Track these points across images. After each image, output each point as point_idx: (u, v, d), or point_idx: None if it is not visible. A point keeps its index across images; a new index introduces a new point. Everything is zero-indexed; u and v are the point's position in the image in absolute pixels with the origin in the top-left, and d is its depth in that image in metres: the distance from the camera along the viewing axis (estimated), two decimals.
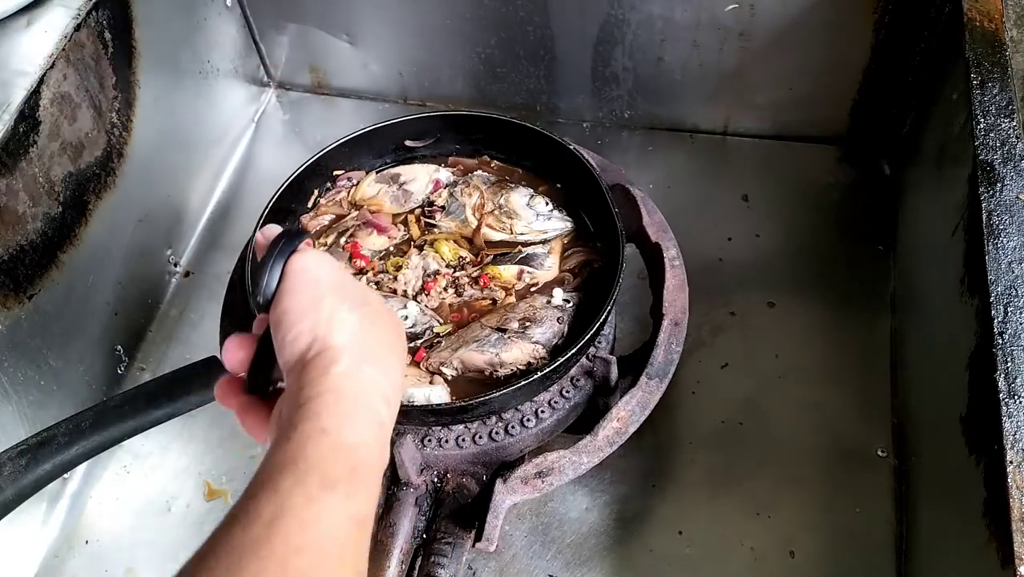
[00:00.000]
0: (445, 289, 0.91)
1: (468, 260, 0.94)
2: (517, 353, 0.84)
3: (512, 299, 0.91)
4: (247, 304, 0.85)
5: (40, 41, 0.95)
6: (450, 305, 0.91)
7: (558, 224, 0.96)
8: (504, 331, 0.85)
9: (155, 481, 1.06)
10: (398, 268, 0.93)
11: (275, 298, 0.54)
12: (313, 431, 0.47)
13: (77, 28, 0.97)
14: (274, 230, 0.59)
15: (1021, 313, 0.72)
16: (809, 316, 1.12)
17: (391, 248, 0.97)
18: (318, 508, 0.44)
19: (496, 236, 0.96)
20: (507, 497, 0.79)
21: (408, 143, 1.04)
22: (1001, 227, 0.78)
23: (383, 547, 0.83)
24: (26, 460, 0.66)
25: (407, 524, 0.84)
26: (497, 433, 0.85)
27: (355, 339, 0.52)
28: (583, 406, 0.89)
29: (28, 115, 0.90)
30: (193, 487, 1.05)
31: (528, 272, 0.92)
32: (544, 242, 0.95)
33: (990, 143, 0.84)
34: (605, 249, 0.94)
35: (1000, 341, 0.71)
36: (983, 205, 0.79)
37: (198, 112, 1.29)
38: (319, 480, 0.44)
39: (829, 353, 1.08)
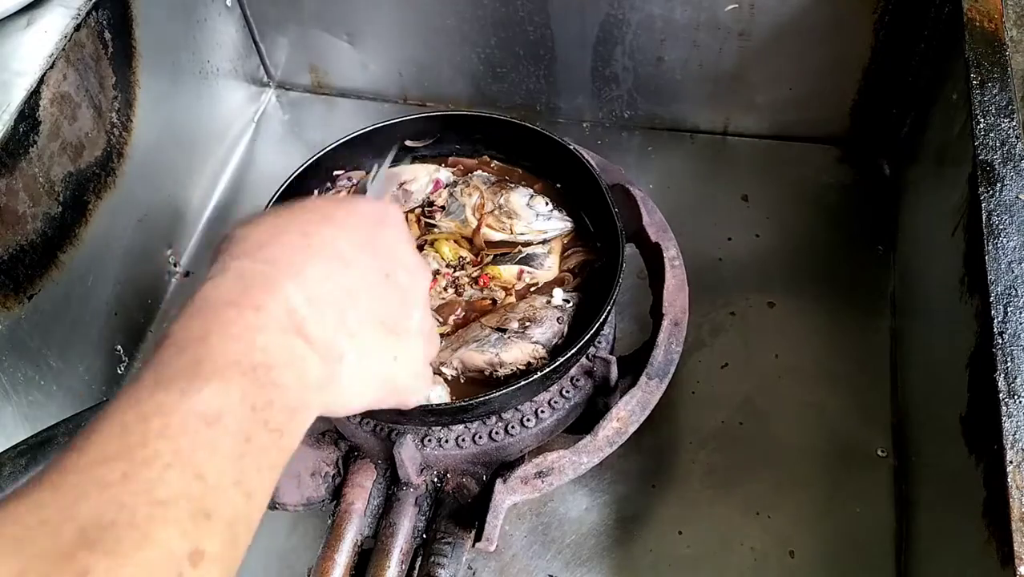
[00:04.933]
0: (445, 289, 0.91)
1: (468, 260, 0.94)
2: (517, 353, 0.84)
3: (512, 299, 0.91)
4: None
5: (40, 41, 0.95)
6: (451, 305, 0.91)
7: (558, 224, 0.96)
8: (504, 331, 0.85)
9: None
10: None
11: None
12: (170, 330, 0.43)
13: (77, 28, 0.97)
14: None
15: (1021, 313, 0.72)
16: (809, 316, 1.12)
17: None
18: (144, 408, 0.38)
19: (496, 236, 0.96)
20: (507, 497, 0.79)
21: (408, 143, 1.04)
22: (1001, 227, 0.78)
23: (383, 547, 0.83)
24: (26, 460, 0.66)
25: (407, 524, 0.84)
26: (497, 433, 0.85)
27: (235, 242, 0.48)
28: (583, 406, 0.89)
29: (28, 115, 0.90)
30: None
31: (528, 272, 0.92)
32: (544, 242, 0.95)
33: (990, 143, 0.84)
34: (605, 249, 0.94)
35: (1000, 341, 0.71)
36: (983, 205, 0.79)
37: (198, 112, 1.29)
38: (153, 378, 0.39)
39: (829, 353, 1.08)
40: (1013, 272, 0.75)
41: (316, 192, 1.00)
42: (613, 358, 0.86)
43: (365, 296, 0.50)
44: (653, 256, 0.95)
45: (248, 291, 0.44)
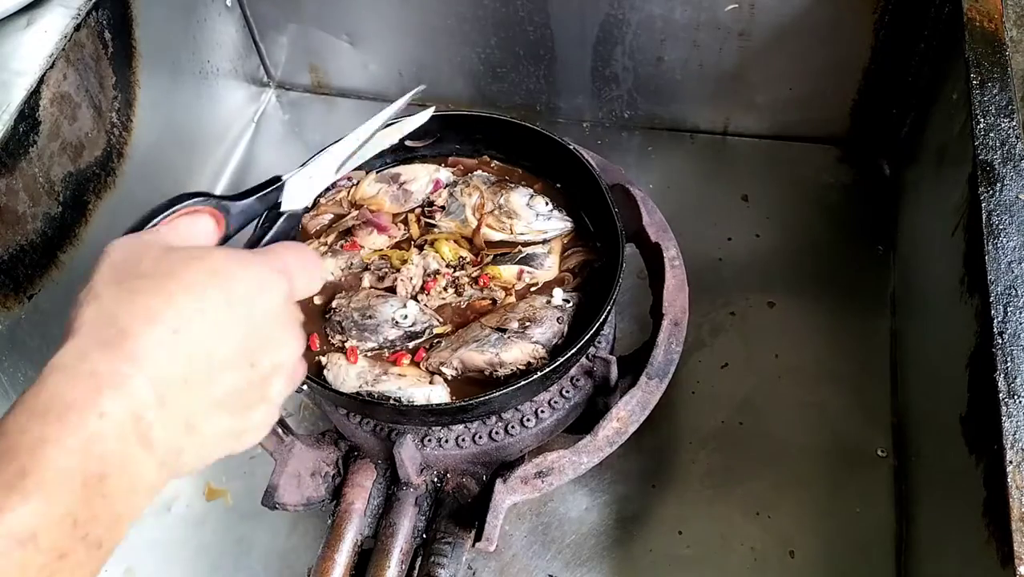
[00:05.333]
0: (445, 289, 0.91)
1: (468, 260, 0.94)
2: (517, 353, 0.84)
3: (512, 299, 0.91)
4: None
5: (40, 41, 0.95)
6: (451, 305, 0.91)
7: (558, 224, 0.96)
8: (504, 331, 0.85)
9: None
10: (403, 261, 0.93)
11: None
12: (6, 424, 0.40)
13: (77, 28, 0.97)
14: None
15: (1021, 313, 0.72)
16: (809, 316, 1.12)
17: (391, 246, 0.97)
18: None
19: (496, 236, 0.96)
20: (507, 497, 0.79)
21: (408, 143, 1.04)
22: (1001, 227, 0.78)
23: (383, 547, 0.83)
24: None
25: (407, 524, 0.84)
26: (497, 433, 0.85)
27: (104, 323, 0.44)
28: (583, 406, 0.89)
29: (28, 115, 0.90)
30: (193, 487, 1.05)
31: (528, 272, 0.92)
32: (544, 242, 0.95)
33: (990, 143, 0.84)
34: (605, 249, 0.94)
35: (1000, 341, 0.71)
36: (983, 205, 0.79)
37: (198, 112, 1.29)
38: None
39: (829, 353, 1.08)
40: (1013, 272, 0.75)
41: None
42: (613, 358, 0.87)
43: (223, 390, 0.47)
44: (653, 256, 0.95)
45: (97, 393, 0.41)
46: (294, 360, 0.53)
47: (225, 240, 0.56)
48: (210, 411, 0.47)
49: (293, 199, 0.62)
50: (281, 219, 0.61)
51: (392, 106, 0.71)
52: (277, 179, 0.62)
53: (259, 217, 0.60)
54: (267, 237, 0.61)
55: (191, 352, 0.45)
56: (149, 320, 0.44)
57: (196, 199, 0.53)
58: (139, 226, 0.52)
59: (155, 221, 0.52)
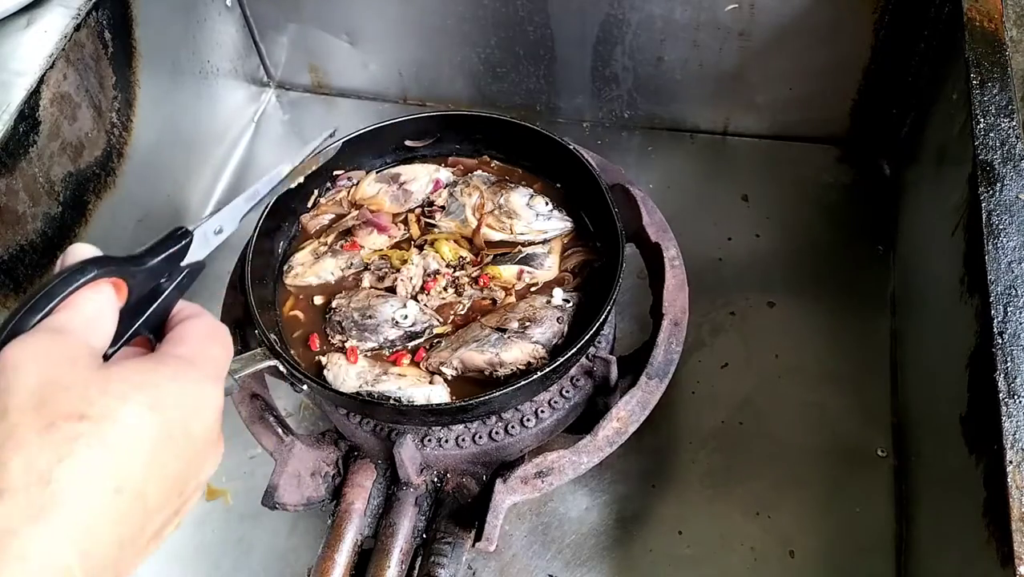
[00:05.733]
0: (445, 289, 0.91)
1: (468, 260, 0.94)
2: (517, 353, 0.84)
3: (512, 299, 0.91)
4: (246, 305, 0.85)
5: (40, 41, 0.95)
6: (450, 305, 0.91)
7: (558, 224, 0.96)
8: (504, 331, 0.85)
9: None
10: (403, 261, 0.93)
11: None
12: None
13: (77, 28, 0.97)
14: (76, 254, 0.48)
15: (1021, 313, 0.72)
16: (809, 316, 1.12)
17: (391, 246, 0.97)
18: None
19: (496, 236, 0.96)
20: (507, 497, 0.79)
21: (408, 143, 1.04)
22: (1001, 227, 0.78)
23: (383, 547, 0.83)
24: None
25: (407, 524, 0.84)
26: (497, 433, 0.85)
27: (33, 479, 0.39)
28: (583, 406, 0.89)
29: (28, 115, 0.90)
30: None
31: (528, 272, 0.92)
32: (544, 242, 0.95)
33: (990, 143, 0.84)
34: (605, 249, 0.94)
35: (1000, 341, 0.71)
36: (983, 205, 0.79)
37: (198, 112, 1.29)
38: None
39: (829, 353, 1.08)
40: (1013, 272, 0.75)
41: (316, 192, 1.01)
42: (613, 358, 0.86)
43: (152, 531, 0.45)
44: (653, 256, 0.95)
45: (16, 539, 0.37)
46: (215, 466, 0.51)
47: (130, 305, 0.51)
48: (132, 547, 0.43)
49: (197, 251, 0.58)
50: (182, 274, 0.55)
51: (302, 151, 0.70)
52: (183, 231, 0.57)
53: (165, 275, 0.55)
54: (167, 293, 0.54)
55: (129, 508, 0.42)
56: (89, 481, 0.40)
57: (95, 271, 0.47)
58: (35, 307, 0.45)
59: (53, 304, 0.45)
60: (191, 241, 0.57)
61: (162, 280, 0.54)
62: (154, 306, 0.53)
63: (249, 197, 0.65)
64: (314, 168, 0.78)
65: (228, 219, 0.63)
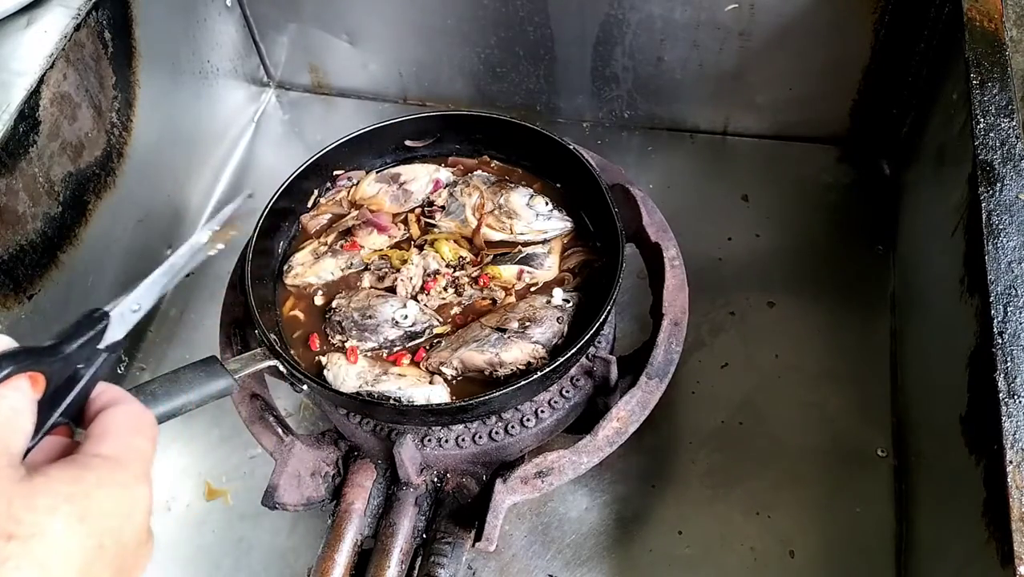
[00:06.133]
0: (445, 289, 0.91)
1: (468, 260, 0.94)
2: (517, 353, 0.84)
3: (512, 299, 0.91)
4: (246, 305, 0.85)
5: (40, 41, 0.95)
6: (450, 305, 0.91)
7: (558, 224, 0.96)
8: (504, 331, 0.85)
9: (155, 481, 1.05)
10: (403, 261, 0.93)
11: None
12: None
13: (77, 28, 0.97)
14: None
15: (1021, 313, 0.72)
16: (809, 316, 1.12)
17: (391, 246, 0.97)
18: None
19: (496, 236, 0.96)
20: (507, 497, 0.79)
21: (408, 143, 1.04)
22: (1001, 227, 0.78)
23: (383, 547, 0.83)
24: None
25: (407, 524, 0.84)
26: (497, 433, 0.85)
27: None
28: (583, 406, 0.89)
29: (28, 115, 0.90)
30: (193, 487, 1.05)
31: (528, 272, 0.92)
32: (544, 242, 0.95)
33: (990, 143, 0.84)
34: (605, 249, 0.94)
35: (1000, 341, 0.71)
36: (983, 205, 0.79)
37: (198, 112, 1.29)
38: None
39: (829, 353, 1.08)
40: (1013, 272, 0.75)
41: (316, 192, 1.01)
42: (613, 358, 0.86)
43: None
44: (653, 256, 0.95)
45: None
46: (148, 558, 0.48)
47: (47, 396, 0.48)
48: None
49: (114, 331, 0.55)
50: (101, 357, 0.52)
51: (216, 217, 0.68)
52: (100, 313, 0.55)
53: (83, 360, 0.52)
54: (86, 378, 0.51)
55: None
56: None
57: (10, 367, 0.45)
58: None
59: None
60: (108, 323, 0.55)
61: (79, 365, 0.51)
62: (73, 393, 0.50)
63: (166, 272, 0.63)
64: (232, 233, 0.72)
65: (146, 296, 0.60)
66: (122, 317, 0.57)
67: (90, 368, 0.51)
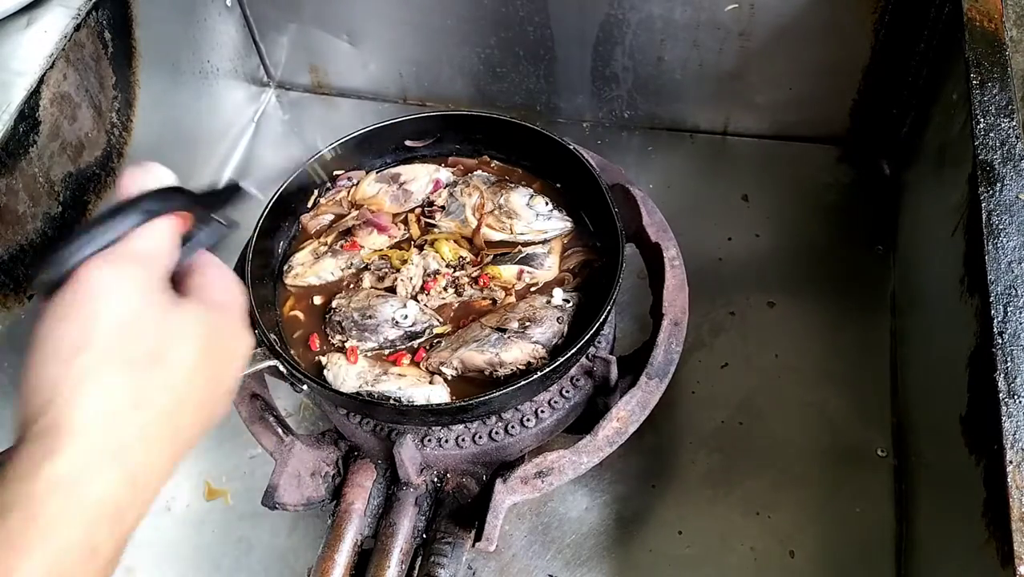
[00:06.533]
0: (445, 289, 0.91)
1: (468, 260, 0.94)
2: (517, 353, 0.84)
3: (512, 299, 0.91)
4: (246, 305, 0.85)
5: (40, 41, 0.95)
6: (450, 305, 0.91)
7: (558, 224, 0.96)
8: (504, 331, 0.85)
9: None
10: (403, 261, 0.93)
11: (49, 303, 0.42)
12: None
13: (77, 28, 0.97)
14: (157, 174, 0.50)
15: (1021, 313, 0.72)
16: (809, 316, 1.12)
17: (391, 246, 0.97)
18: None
19: (496, 236, 0.96)
20: (507, 497, 0.79)
21: (408, 143, 1.04)
22: (1001, 227, 0.78)
23: (383, 547, 0.83)
24: None
25: (407, 524, 0.84)
26: (497, 433, 0.85)
27: (107, 422, 0.40)
28: (583, 406, 0.89)
29: (28, 115, 0.90)
30: (193, 487, 1.04)
31: (528, 272, 0.92)
32: (544, 242, 0.95)
33: (990, 143, 0.84)
34: (605, 249, 0.94)
35: (1000, 341, 0.71)
36: (983, 205, 0.79)
37: (198, 112, 1.29)
38: None
39: (829, 353, 1.08)
40: (1013, 272, 0.75)
41: (316, 192, 1.01)
42: (613, 358, 0.86)
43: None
44: (653, 256, 0.95)
45: (80, 487, 0.39)
46: (243, 357, 0.53)
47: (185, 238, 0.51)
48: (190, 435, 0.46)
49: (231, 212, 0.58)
50: (216, 227, 0.54)
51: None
52: (239, 186, 0.58)
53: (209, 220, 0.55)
54: (203, 236, 0.54)
55: (182, 450, 0.45)
56: (156, 430, 0.43)
57: (181, 201, 0.48)
58: (121, 219, 0.45)
59: (139, 222, 0.46)
60: (244, 198, 0.58)
61: (203, 224, 0.54)
62: (192, 243, 0.53)
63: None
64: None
65: (262, 188, 0.63)
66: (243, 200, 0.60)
67: (211, 230, 0.55)
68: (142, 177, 0.49)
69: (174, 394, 0.43)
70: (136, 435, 0.41)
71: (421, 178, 1.01)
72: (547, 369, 0.79)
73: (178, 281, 0.51)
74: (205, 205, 0.54)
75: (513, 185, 0.99)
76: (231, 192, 0.57)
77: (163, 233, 0.48)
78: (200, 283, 0.51)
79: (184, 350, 0.45)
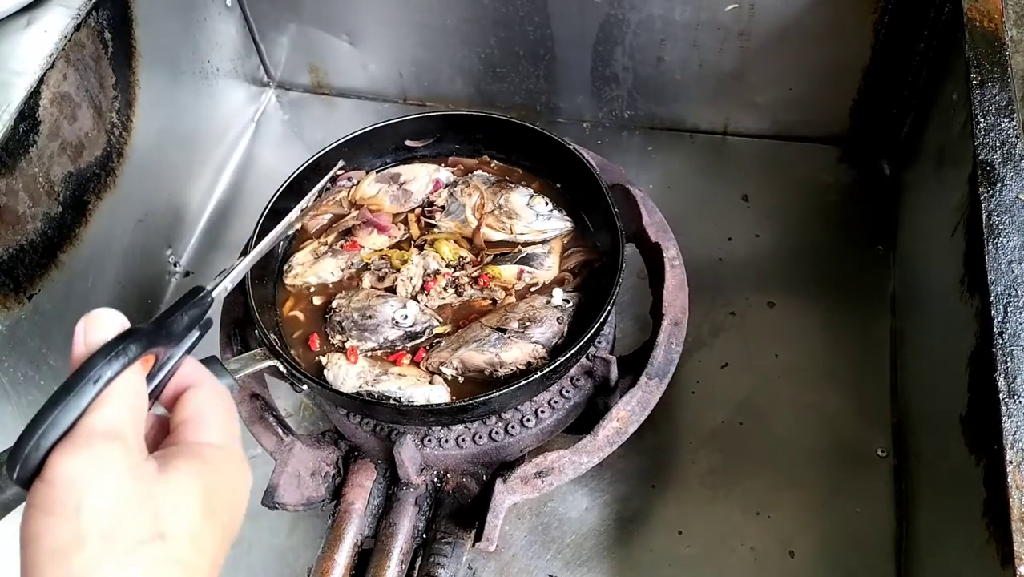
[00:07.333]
0: (445, 289, 0.91)
1: (468, 260, 0.94)
2: (517, 353, 0.84)
3: (512, 299, 0.91)
4: (246, 305, 0.85)
5: (40, 41, 0.95)
6: (450, 305, 0.91)
7: (558, 224, 0.96)
8: (504, 331, 0.85)
9: None
10: (403, 261, 0.93)
11: (32, 490, 0.40)
12: None
13: (77, 28, 0.97)
14: (102, 324, 0.44)
15: (1021, 313, 0.72)
16: (809, 316, 1.12)
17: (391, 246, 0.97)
18: None
19: (496, 236, 0.96)
20: (507, 497, 0.79)
21: (408, 143, 1.04)
22: (1001, 227, 0.78)
23: (383, 547, 0.83)
24: None
25: (407, 524, 0.84)
26: (497, 433, 0.85)
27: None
28: (583, 406, 0.89)
29: (28, 115, 0.90)
30: None
31: (528, 272, 0.92)
32: (544, 242, 0.95)
33: (990, 143, 0.84)
34: (605, 249, 0.94)
35: (1000, 341, 0.71)
36: (983, 205, 0.79)
37: (198, 112, 1.29)
38: None
39: (829, 353, 1.08)
40: (1013, 272, 0.75)
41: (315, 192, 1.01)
42: (613, 358, 0.86)
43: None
44: (653, 256, 0.95)
45: None
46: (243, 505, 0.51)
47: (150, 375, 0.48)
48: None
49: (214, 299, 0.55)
50: (193, 338, 0.51)
51: (307, 196, 0.68)
52: (203, 294, 0.54)
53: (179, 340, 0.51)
54: (176, 360, 0.50)
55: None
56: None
57: (135, 350, 0.44)
58: (78, 396, 0.41)
59: (98, 391, 0.42)
60: (210, 304, 0.54)
61: (175, 346, 0.50)
62: (165, 372, 0.49)
63: (257, 254, 0.64)
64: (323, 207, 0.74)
65: (239, 276, 0.60)
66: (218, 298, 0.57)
67: (182, 348, 0.51)
68: (91, 332, 0.44)
69: (185, 565, 0.42)
70: None
71: (421, 178, 1.01)
72: (547, 369, 0.79)
73: (165, 406, 0.49)
74: (167, 331, 0.49)
75: (513, 185, 0.99)
76: (193, 298, 0.53)
77: (125, 395, 0.43)
78: (186, 419, 0.48)
79: (183, 518, 0.42)
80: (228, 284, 0.58)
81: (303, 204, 0.69)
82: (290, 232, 0.71)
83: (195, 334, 0.52)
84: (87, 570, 0.38)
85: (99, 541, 0.39)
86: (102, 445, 0.41)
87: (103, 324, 0.45)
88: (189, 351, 0.51)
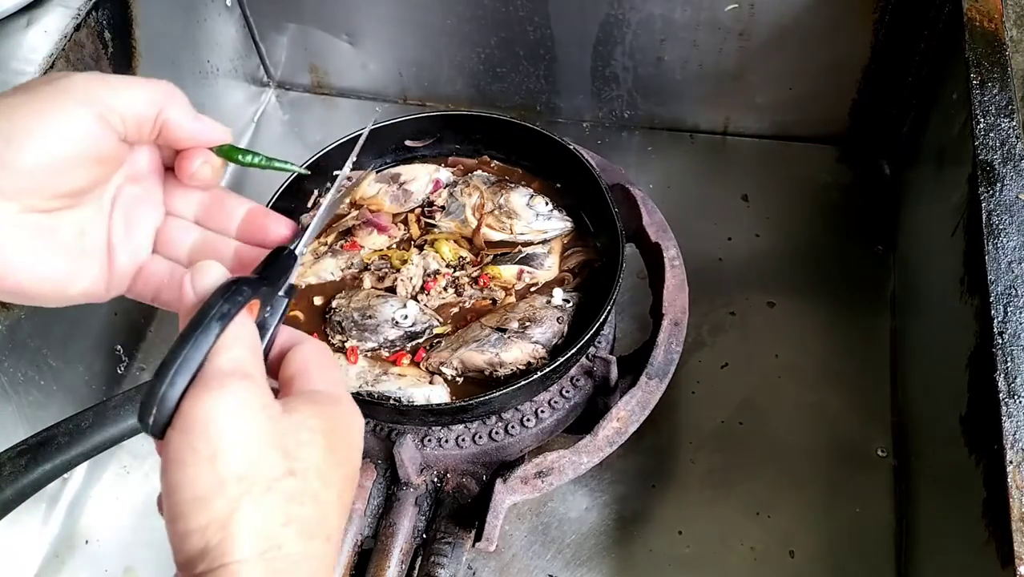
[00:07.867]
0: (445, 289, 0.91)
1: (468, 260, 0.94)
2: (517, 353, 0.84)
3: (512, 299, 0.91)
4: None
5: (40, 41, 0.95)
6: (450, 305, 0.91)
7: (558, 224, 0.96)
8: (504, 331, 0.85)
9: (155, 481, 1.05)
10: (403, 261, 0.93)
11: (166, 439, 0.41)
12: None
13: (77, 28, 0.97)
14: (210, 272, 0.46)
15: (1021, 313, 0.72)
16: (809, 316, 1.12)
17: (392, 246, 0.97)
18: None
19: (496, 236, 0.96)
20: (507, 497, 0.79)
21: (408, 143, 1.04)
22: (1001, 227, 0.78)
23: (383, 547, 0.83)
24: (26, 460, 0.66)
25: (407, 524, 0.84)
26: (497, 433, 0.85)
27: (266, 546, 0.40)
28: (583, 406, 0.89)
29: None
30: None
31: (528, 272, 0.92)
32: (544, 242, 0.95)
33: (990, 143, 0.84)
34: (605, 249, 0.94)
35: (1000, 341, 0.71)
36: (983, 205, 0.79)
37: (198, 112, 1.28)
38: None
39: (829, 353, 1.08)
40: (1013, 272, 0.75)
41: (316, 192, 1.00)
42: (613, 358, 0.87)
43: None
44: (653, 256, 0.95)
45: None
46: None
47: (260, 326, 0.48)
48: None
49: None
50: (284, 304, 0.51)
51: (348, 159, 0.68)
52: (288, 252, 0.54)
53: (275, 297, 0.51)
54: (278, 320, 0.51)
55: (334, 550, 0.45)
56: (310, 538, 0.42)
57: (247, 293, 0.45)
58: (204, 336, 0.42)
59: (218, 334, 0.43)
60: (295, 263, 0.54)
61: (269, 306, 0.50)
62: (268, 336, 0.49)
63: (324, 214, 0.64)
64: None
65: (307, 241, 0.59)
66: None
67: (277, 312, 0.51)
68: (198, 280, 0.47)
69: (316, 500, 0.43)
70: (298, 553, 0.41)
71: (421, 178, 1.01)
72: (547, 369, 0.79)
73: (270, 370, 0.49)
74: (267, 284, 0.50)
75: (513, 185, 0.99)
76: (285, 259, 0.54)
77: (245, 336, 0.45)
78: (295, 373, 0.49)
79: (309, 453, 0.43)
80: (302, 248, 0.58)
81: (346, 171, 0.69)
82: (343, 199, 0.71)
83: (286, 300, 0.52)
84: (228, 512, 0.39)
85: (237, 483, 0.40)
86: (237, 384, 0.42)
87: (211, 272, 0.47)
88: (281, 317, 0.51)
